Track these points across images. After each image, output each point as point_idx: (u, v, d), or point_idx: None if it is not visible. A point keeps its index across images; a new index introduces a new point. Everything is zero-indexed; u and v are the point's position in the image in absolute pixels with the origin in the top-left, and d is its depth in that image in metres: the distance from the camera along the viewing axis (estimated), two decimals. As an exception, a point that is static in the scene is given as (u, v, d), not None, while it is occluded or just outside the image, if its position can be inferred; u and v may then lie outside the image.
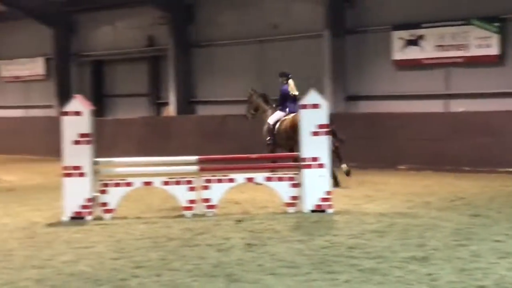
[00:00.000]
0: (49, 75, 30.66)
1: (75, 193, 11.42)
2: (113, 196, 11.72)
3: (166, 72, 26.66)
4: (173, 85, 26.04)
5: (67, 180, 11.51)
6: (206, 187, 11.78)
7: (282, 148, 16.10)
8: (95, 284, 7.40)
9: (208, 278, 7.54)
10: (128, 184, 11.87)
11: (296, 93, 15.94)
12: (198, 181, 11.83)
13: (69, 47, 29.89)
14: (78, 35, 29.73)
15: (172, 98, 26.15)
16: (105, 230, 10.55)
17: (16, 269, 8.14)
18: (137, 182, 11.92)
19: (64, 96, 27.41)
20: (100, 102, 28.30)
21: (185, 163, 12.59)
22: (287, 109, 16.06)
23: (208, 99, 25.89)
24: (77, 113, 11.58)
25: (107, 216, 11.58)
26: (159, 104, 27.57)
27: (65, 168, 11.54)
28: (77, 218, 11.40)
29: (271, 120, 16.31)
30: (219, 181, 11.87)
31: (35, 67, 31.23)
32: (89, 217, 11.43)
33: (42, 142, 26.05)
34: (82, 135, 11.55)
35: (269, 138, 16.24)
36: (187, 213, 11.64)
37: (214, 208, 11.76)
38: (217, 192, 11.80)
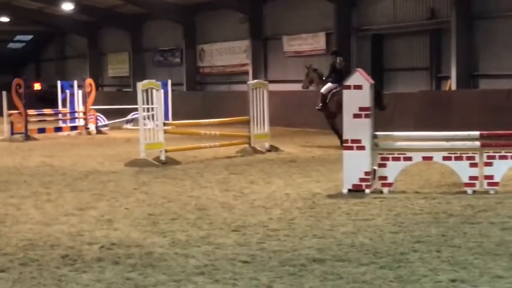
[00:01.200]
0: (329, 50, 31.17)
1: (355, 166, 11.49)
2: (392, 170, 11.65)
3: (447, 45, 26.05)
4: (455, 59, 25.38)
5: (347, 153, 11.62)
6: (488, 164, 11.35)
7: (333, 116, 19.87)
8: (374, 256, 7.42)
9: (491, 256, 7.29)
10: (407, 159, 11.73)
11: (341, 68, 20.09)
12: (480, 157, 11.44)
13: (350, 22, 30.19)
14: (358, 9, 29.93)
15: (453, 72, 25.52)
16: (384, 204, 10.54)
17: (298, 238, 8.39)
18: (416, 156, 11.76)
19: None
20: (379, 76, 28.29)
21: (466, 139, 12.24)
22: (335, 81, 19.72)
23: (492, 73, 24.94)
24: (358, 87, 11.62)
25: (386, 189, 11.55)
26: (440, 78, 27.04)
27: (345, 141, 11.66)
28: (356, 190, 11.49)
29: (323, 90, 20.12)
30: (503, 157, 11.38)
31: (316, 42, 31.91)
32: (367, 190, 11.47)
33: (321, 115, 26.57)
34: (362, 109, 11.57)
35: (320, 105, 20.24)
36: (468, 189, 11.30)
37: (497, 185, 11.31)
38: (500, 168, 11.33)
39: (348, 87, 11.64)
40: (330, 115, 20.15)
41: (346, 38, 30.20)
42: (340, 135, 18.21)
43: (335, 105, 19.35)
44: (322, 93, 20.26)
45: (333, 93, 19.84)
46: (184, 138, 20.30)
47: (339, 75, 19.65)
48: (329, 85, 20.16)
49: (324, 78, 20.69)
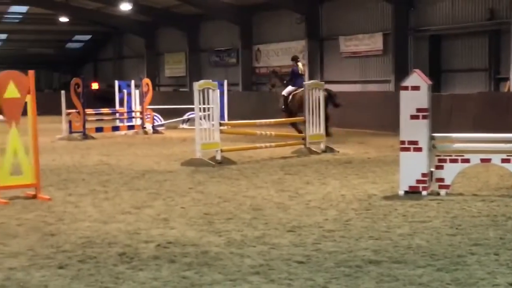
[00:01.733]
0: (386, 50, 30.98)
1: (411, 167, 11.39)
2: (449, 172, 11.53)
3: (506, 46, 25.65)
4: (514, 60, 24.98)
5: (403, 154, 11.53)
6: (548, 166, 11.15)
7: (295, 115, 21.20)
8: (431, 258, 7.35)
9: (550, 261, 7.17)
10: (465, 161, 11.60)
11: (302, 72, 22.74)
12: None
13: (408, 22, 29.93)
14: (416, 9, 29.64)
15: (512, 73, 25.13)
16: (441, 206, 10.43)
17: (354, 239, 8.35)
18: (474, 158, 11.61)
19: (401, 71, 27.57)
20: (437, 77, 27.98)
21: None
22: (296, 85, 21.87)
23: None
24: (416, 88, 11.50)
25: (443, 192, 11.43)
26: (498, 79, 26.64)
27: (402, 142, 11.56)
28: (413, 192, 11.39)
29: (285, 92, 22.14)
30: None
31: (374, 42, 31.71)
32: (424, 192, 11.37)
33: (377, 116, 26.43)
34: (420, 110, 11.46)
35: (283, 106, 22.12)
36: (528, 192, 11.13)
37: (557, 188, 11.11)
38: (561, 172, 11.12)
39: (406, 88, 11.54)
40: (291, 115, 21.66)
41: (403, 39, 29.94)
42: (299, 131, 20.20)
43: (296, 105, 21.34)
44: (283, 95, 22.29)
45: (293, 95, 21.87)
46: (239, 138, 20.36)
47: (301, 79, 22.07)
48: (289, 88, 22.22)
49: (285, 82, 22.95)
